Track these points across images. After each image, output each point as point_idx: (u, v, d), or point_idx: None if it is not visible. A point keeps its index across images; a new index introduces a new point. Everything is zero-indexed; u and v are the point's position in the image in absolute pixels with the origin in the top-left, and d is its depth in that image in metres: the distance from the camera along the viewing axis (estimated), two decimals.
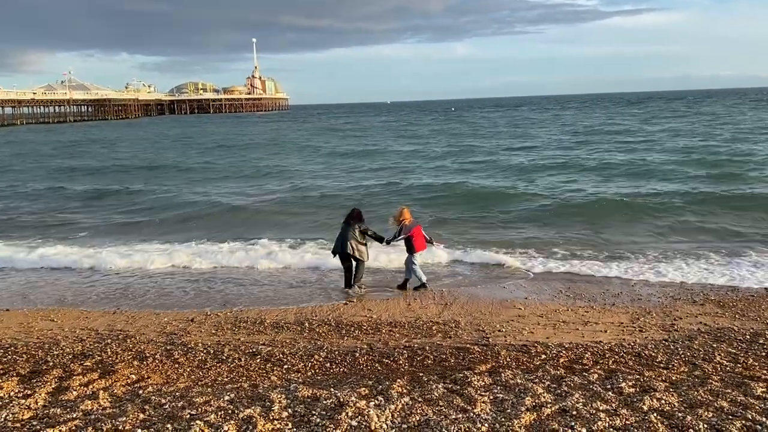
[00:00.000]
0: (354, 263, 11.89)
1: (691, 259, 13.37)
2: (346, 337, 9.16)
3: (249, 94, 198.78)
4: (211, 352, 8.50)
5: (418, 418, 5.58)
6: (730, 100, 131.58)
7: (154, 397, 6.39)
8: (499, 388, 6.42)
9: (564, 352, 8.09)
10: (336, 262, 12.20)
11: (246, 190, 27.28)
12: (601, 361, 7.66)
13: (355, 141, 56.35)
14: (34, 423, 5.78)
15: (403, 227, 11.86)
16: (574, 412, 5.67)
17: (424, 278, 11.88)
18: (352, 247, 11.68)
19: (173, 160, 42.32)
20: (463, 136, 57.76)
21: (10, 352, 8.55)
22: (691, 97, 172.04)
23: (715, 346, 8.27)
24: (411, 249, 11.87)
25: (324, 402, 5.99)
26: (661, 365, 7.52)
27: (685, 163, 29.91)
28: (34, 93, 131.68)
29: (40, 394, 6.61)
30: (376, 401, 5.99)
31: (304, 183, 28.55)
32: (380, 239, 12.07)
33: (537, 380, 6.65)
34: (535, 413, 5.68)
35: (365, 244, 11.90)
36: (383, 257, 13.65)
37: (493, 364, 7.59)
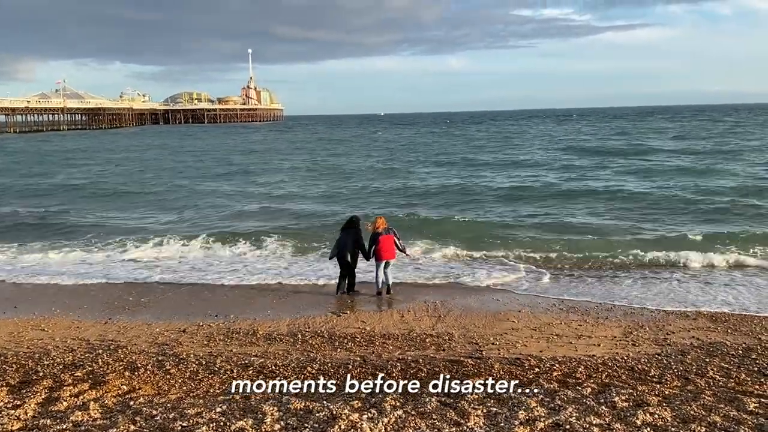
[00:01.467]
0: (348, 270, 12.29)
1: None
2: (339, 349, 9.13)
3: (244, 104, 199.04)
4: (203, 363, 8.44)
5: None
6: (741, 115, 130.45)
7: (145, 409, 6.34)
8: (492, 401, 6.41)
9: (557, 365, 8.09)
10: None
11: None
12: (594, 375, 7.67)
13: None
14: None
15: (372, 236, 12.20)
16: (568, 426, 5.66)
17: (379, 285, 12.22)
18: (347, 254, 12.14)
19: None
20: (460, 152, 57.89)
21: None
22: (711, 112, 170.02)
23: (707, 360, 8.29)
24: (376, 257, 12.17)
25: (317, 414, 5.96)
26: (654, 379, 7.53)
27: None
28: (27, 101, 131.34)
29: (29, 405, 6.55)
30: (369, 414, 5.97)
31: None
32: (365, 255, 12.31)
33: (530, 394, 6.64)
34: (528, 427, 5.68)
35: (357, 253, 12.30)
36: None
37: (487, 377, 7.58)
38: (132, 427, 5.75)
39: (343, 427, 5.64)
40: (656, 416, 5.92)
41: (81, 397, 6.90)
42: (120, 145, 78.27)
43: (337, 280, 12.55)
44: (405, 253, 12.61)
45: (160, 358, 8.67)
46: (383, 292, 12.19)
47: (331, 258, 12.55)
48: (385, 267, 12.25)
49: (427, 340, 9.50)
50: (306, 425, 5.71)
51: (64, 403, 6.62)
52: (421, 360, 8.39)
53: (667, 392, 6.83)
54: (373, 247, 12.14)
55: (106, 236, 18.91)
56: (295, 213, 23.54)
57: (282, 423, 5.78)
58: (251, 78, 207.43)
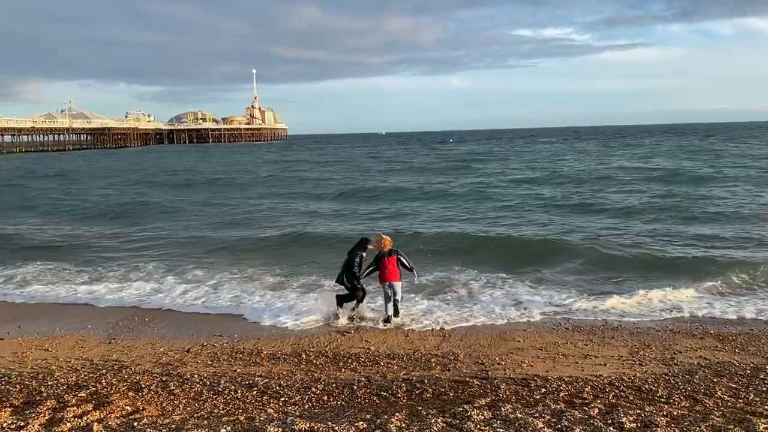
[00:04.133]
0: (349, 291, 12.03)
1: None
2: (343, 369, 9.08)
3: (248, 124, 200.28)
4: (207, 383, 8.40)
5: None
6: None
7: (149, 430, 6.30)
8: (499, 422, 6.35)
9: (564, 385, 8.02)
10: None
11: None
12: (601, 396, 7.60)
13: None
14: None
15: (375, 257, 11.80)
16: None
17: (388, 312, 11.59)
18: (342, 276, 11.95)
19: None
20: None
21: (3, 382, 8.44)
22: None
23: (715, 380, 8.22)
24: (380, 279, 11.75)
25: None
26: (662, 400, 7.46)
27: None
28: (34, 121, 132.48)
29: (33, 426, 6.51)
30: None
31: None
32: (356, 276, 11.88)
33: (537, 414, 6.58)
34: None
35: (352, 274, 11.93)
36: None
37: (493, 397, 7.52)
38: None
39: None
40: None
41: (85, 417, 6.85)
42: (123, 166, 78.85)
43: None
44: (413, 273, 11.95)
45: (164, 379, 8.63)
46: (390, 318, 11.51)
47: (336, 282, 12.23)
48: (389, 289, 11.63)
49: (433, 360, 9.44)
50: None
51: (68, 424, 6.58)
52: (426, 380, 8.33)
53: (675, 413, 6.76)
54: (376, 268, 11.76)
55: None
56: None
57: None
58: (255, 98, 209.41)
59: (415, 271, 11.99)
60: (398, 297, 11.68)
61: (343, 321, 11.68)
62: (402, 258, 11.78)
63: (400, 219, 25.82)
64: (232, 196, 37.26)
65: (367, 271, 11.86)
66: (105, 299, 13.94)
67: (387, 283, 11.62)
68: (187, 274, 15.93)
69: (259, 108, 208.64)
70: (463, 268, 15.67)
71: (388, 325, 11.37)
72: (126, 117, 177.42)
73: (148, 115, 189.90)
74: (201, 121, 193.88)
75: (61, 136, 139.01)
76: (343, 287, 12.07)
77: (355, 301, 12.02)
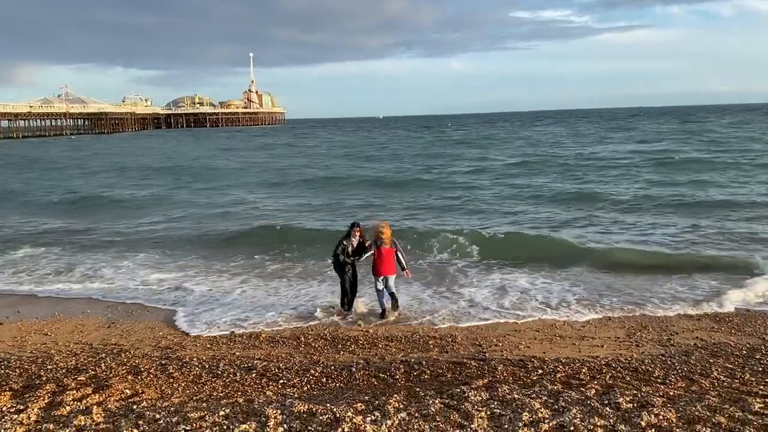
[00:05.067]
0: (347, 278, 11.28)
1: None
2: (342, 352, 9.11)
3: (246, 108, 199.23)
4: (206, 366, 8.44)
5: None
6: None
7: (148, 413, 6.32)
8: (496, 403, 6.38)
9: (561, 366, 8.06)
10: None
11: None
12: (598, 376, 7.64)
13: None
14: None
15: (372, 244, 11.03)
16: (572, 428, 5.64)
17: (381, 304, 11.06)
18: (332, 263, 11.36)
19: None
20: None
21: (2, 367, 8.47)
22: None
23: (711, 361, 8.27)
24: (373, 271, 11.02)
25: (320, 417, 5.94)
26: (659, 380, 7.51)
27: None
28: (30, 106, 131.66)
29: (32, 409, 6.53)
30: (372, 417, 5.95)
31: None
32: (344, 257, 11.14)
33: (534, 395, 6.61)
34: (532, 429, 5.65)
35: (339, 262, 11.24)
36: None
37: (490, 379, 7.56)
38: (135, 431, 5.74)
39: (346, 429, 5.63)
40: (661, 417, 5.88)
41: (84, 401, 6.88)
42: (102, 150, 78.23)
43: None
44: (404, 270, 11.13)
45: (163, 362, 8.67)
46: (387, 312, 10.96)
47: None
48: (383, 282, 10.96)
49: (431, 342, 9.48)
50: (309, 428, 5.70)
51: (67, 408, 6.61)
52: (424, 362, 8.37)
53: (671, 393, 6.80)
54: (372, 257, 10.98)
55: None
56: None
57: (285, 426, 5.76)
58: (252, 81, 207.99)
59: (407, 272, 11.25)
60: (392, 290, 11.07)
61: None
62: (399, 254, 11.06)
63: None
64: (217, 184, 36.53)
65: (367, 255, 11.06)
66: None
67: (382, 278, 10.94)
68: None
69: (257, 92, 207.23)
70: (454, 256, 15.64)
71: (385, 319, 10.83)
72: (123, 102, 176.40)
73: (146, 100, 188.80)
74: (198, 105, 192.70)
75: (58, 121, 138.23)
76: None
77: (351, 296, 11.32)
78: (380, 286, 11.03)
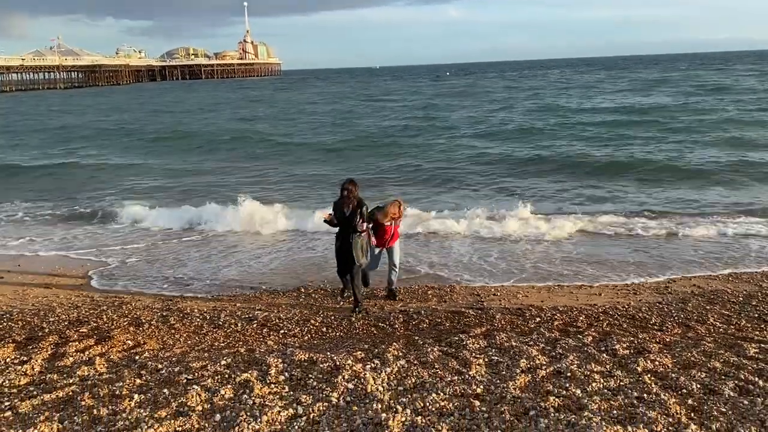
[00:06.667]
0: None
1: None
2: (342, 303, 9.17)
3: (241, 59, 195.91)
4: (208, 317, 8.51)
5: (413, 381, 5.61)
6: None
7: (150, 363, 6.40)
8: (494, 350, 6.46)
9: (558, 315, 8.14)
10: None
11: None
12: (595, 324, 7.72)
13: None
14: (31, 389, 5.80)
15: (378, 217, 8.92)
16: (569, 374, 5.71)
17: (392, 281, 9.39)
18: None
19: None
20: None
21: (5, 320, 8.54)
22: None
23: (708, 308, 8.34)
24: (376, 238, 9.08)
25: (320, 366, 6.01)
26: (655, 327, 7.59)
27: None
28: (22, 59, 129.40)
29: (36, 361, 6.61)
30: (372, 364, 6.02)
31: None
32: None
33: (532, 343, 6.69)
34: (529, 375, 5.72)
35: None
36: None
37: (488, 327, 7.63)
38: (138, 381, 5.81)
39: (346, 377, 5.70)
40: (657, 363, 5.96)
41: (87, 352, 6.96)
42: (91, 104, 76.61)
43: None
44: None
45: (164, 314, 8.73)
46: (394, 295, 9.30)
47: None
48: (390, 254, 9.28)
49: (429, 292, 9.55)
50: (310, 376, 5.77)
51: (70, 359, 6.69)
52: (423, 311, 8.44)
53: (667, 339, 6.87)
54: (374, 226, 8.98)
55: None
56: None
57: (286, 374, 5.83)
58: (247, 32, 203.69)
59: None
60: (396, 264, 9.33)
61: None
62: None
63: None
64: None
65: (362, 226, 8.49)
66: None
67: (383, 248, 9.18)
68: None
69: (252, 42, 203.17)
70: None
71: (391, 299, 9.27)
72: (117, 54, 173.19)
73: (139, 52, 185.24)
74: (193, 56, 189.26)
75: (52, 74, 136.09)
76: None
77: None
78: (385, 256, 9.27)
